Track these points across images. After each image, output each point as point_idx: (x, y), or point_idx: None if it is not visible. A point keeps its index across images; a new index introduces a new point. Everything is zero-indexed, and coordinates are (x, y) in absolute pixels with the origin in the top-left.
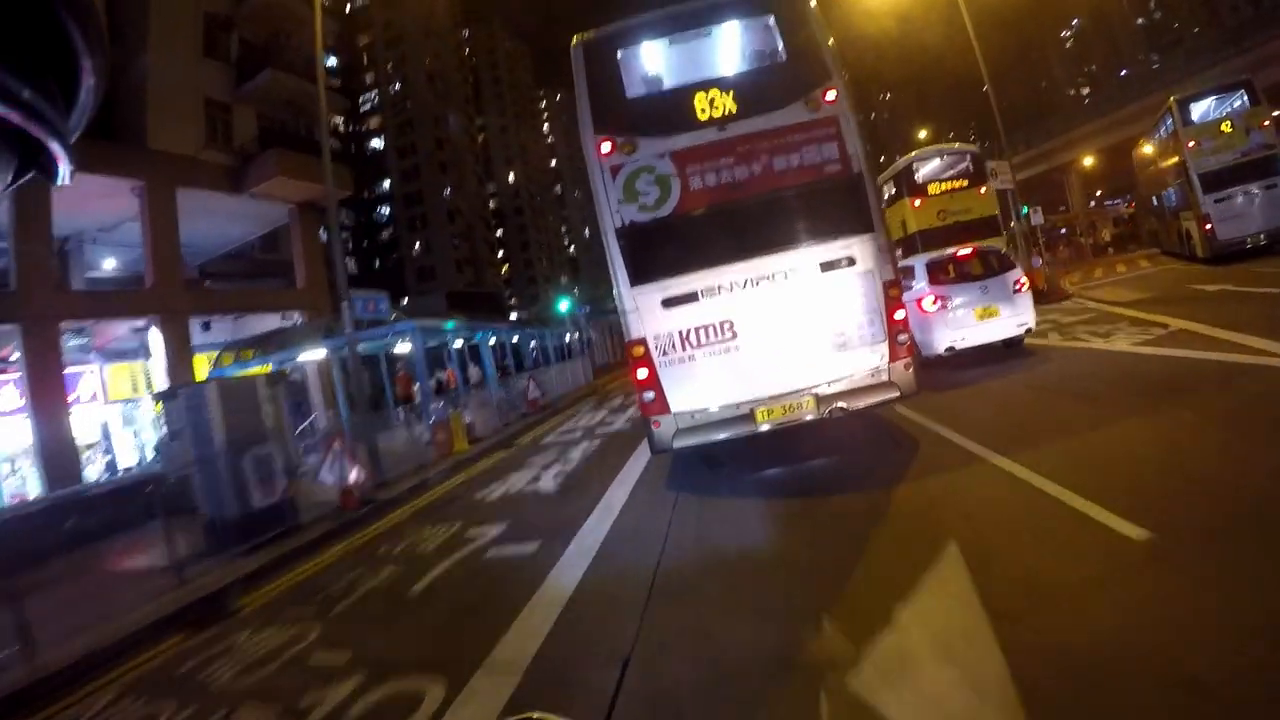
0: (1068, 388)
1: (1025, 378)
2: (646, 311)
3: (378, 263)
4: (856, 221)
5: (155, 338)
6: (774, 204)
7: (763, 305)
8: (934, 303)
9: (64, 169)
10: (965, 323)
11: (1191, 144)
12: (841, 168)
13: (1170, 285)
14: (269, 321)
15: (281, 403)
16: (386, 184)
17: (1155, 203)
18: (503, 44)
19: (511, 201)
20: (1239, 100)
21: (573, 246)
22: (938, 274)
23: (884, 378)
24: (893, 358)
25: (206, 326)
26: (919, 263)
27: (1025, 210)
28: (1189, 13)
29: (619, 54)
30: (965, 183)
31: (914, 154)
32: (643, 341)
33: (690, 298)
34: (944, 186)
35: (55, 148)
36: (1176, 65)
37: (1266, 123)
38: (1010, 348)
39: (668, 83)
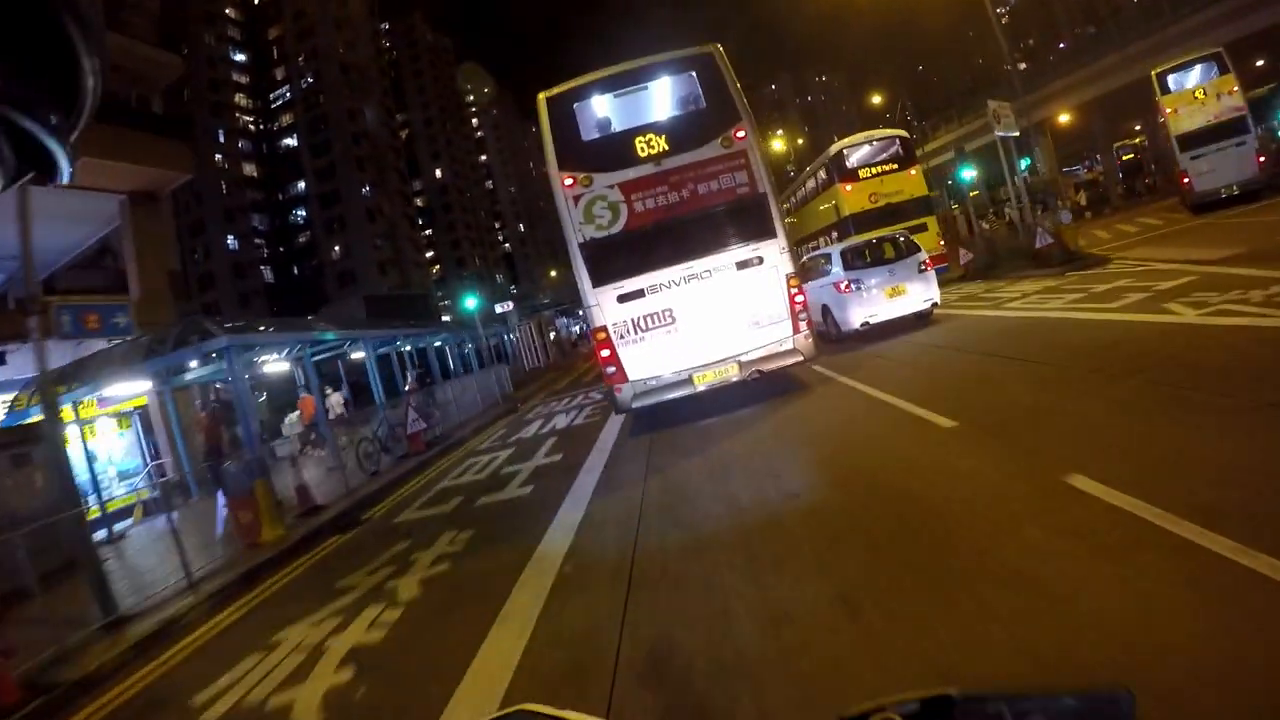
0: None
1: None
2: (606, 306)
3: (295, 269)
4: (763, 230)
5: None
6: (700, 219)
7: (695, 296)
8: (848, 285)
9: (64, 167)
10: (877, 301)
11: (1170, 110)
12: (750, 189)
13: (1259, 237)
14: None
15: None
16: (302, 185)
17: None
18: (424, 36)
19: (440, 199)
20: (1212, 70)
21: (508, 243)
22: (852, 259)
23: (789, 345)
24: (795, 331)
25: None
26: (835, 251)
27: (1027, 162)
28: None
29: (575, 106)
30: (895, 166)
31: (844, 141)
32: (604, 328)
33: (639, 294)
34: (874, 170)
35: (54, 146)
36: (1163, 11)
37: (1234, 89)
38: (922, 319)
39: (615, 128)
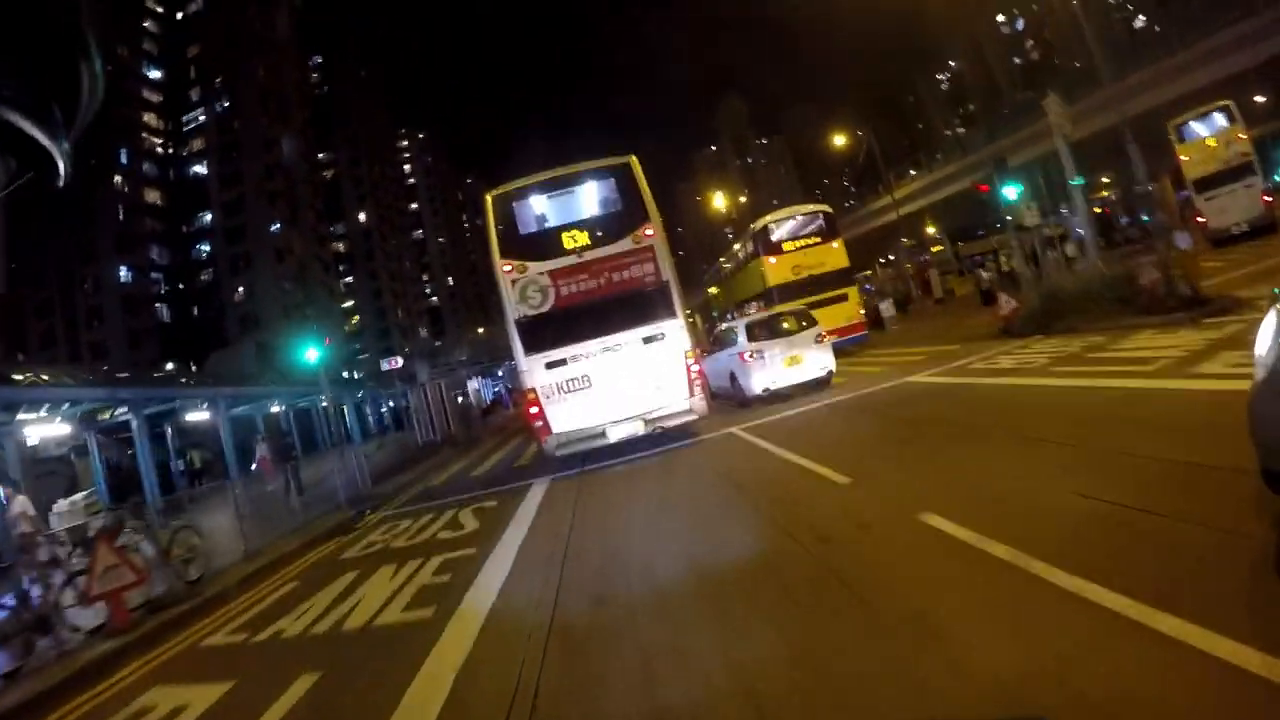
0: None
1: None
2: (535, 371)
3: (196, 309)
4: (666, 311)
5: None
6: (614, 301)
7: (609, 364)
8: (751, 355)
9: (63, 168)
10: (776, 369)
11: (1184, 158)
12: (655, 278)
13: None
14: None
15: None
16: (209, 217)
17: None
18: (355, 73)
19: (363, 244)
20: (1222, 120)
21: (435, 296)
22: (755, 332)
23: (686, 406)
24: (690, 394)
25: None
26: (740, 324)
27: (1078, 181)
28: (1063, 46)
29: (515, 204)
30: (818, 239)
31: (769, 216)
32: (534, 389)
33: (562, 362)
34: (798, 244)
35: (53, 147)
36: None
37: (1242, 136)
38: (820, 387)
39: (547, 223)
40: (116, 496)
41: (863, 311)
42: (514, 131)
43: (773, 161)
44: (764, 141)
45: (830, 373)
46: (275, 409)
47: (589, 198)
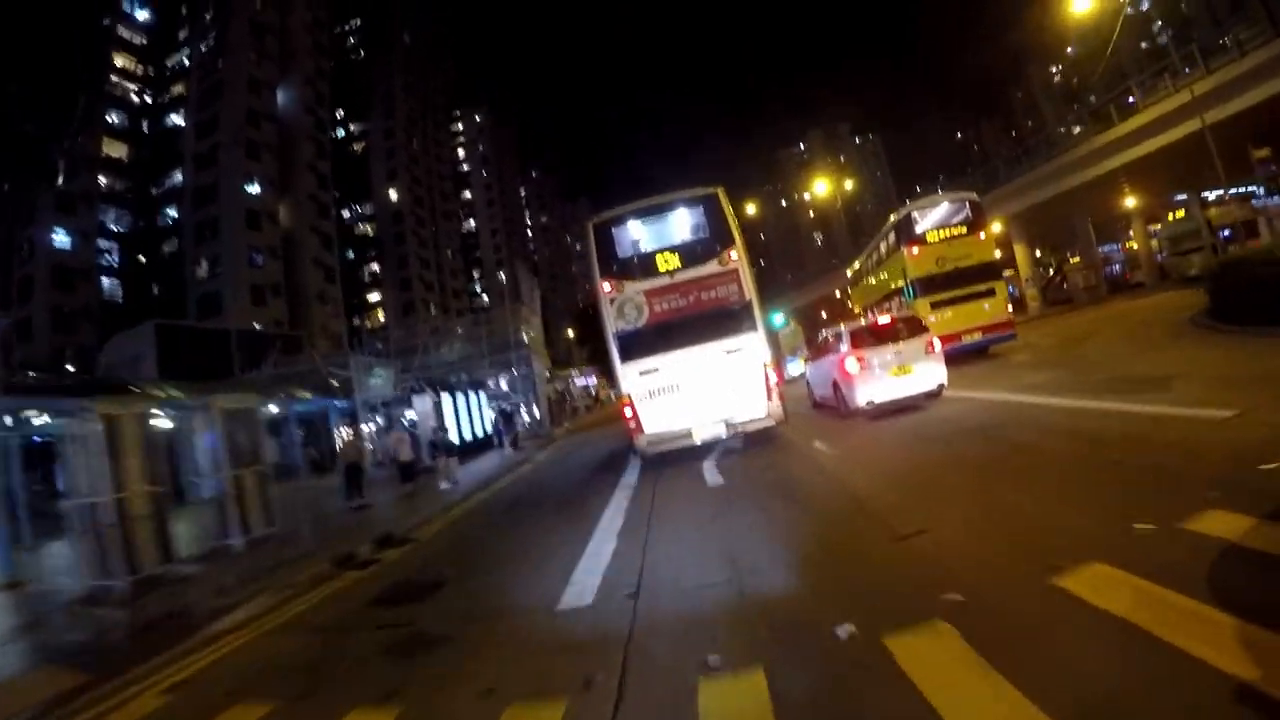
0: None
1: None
2: (630, 378)
3: (156, 287)
4: (747, 326)
5: None
6: (701, 318)
7: (695, 373)
8: (855, 364)
9: (62, 168)
10: (882, 380)
11: None
12: (739, 297)
13: None
14: None
15: None
16: (180, 177)
17: None
18: (399, 39)
19: (391, 227)
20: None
21: (485, 293)
22: (859, 338)
23: (764, 413)
24: (769, 399)
25: None
26: (845, 330)
27: None
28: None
29: (614, 229)
30: (964, 229)
31: (913, 204)
32: (628, 394)
33: (654, 370)
34: (943, 234)
35: (54, 147)
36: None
37: None
38: (930, 399)
39: (643, 248)
40: None
41: (1010, 308)
42: (594, 127)
43: (866, 160)
44: (858, 140)
45: (942, 386)
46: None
47: (680, 224)
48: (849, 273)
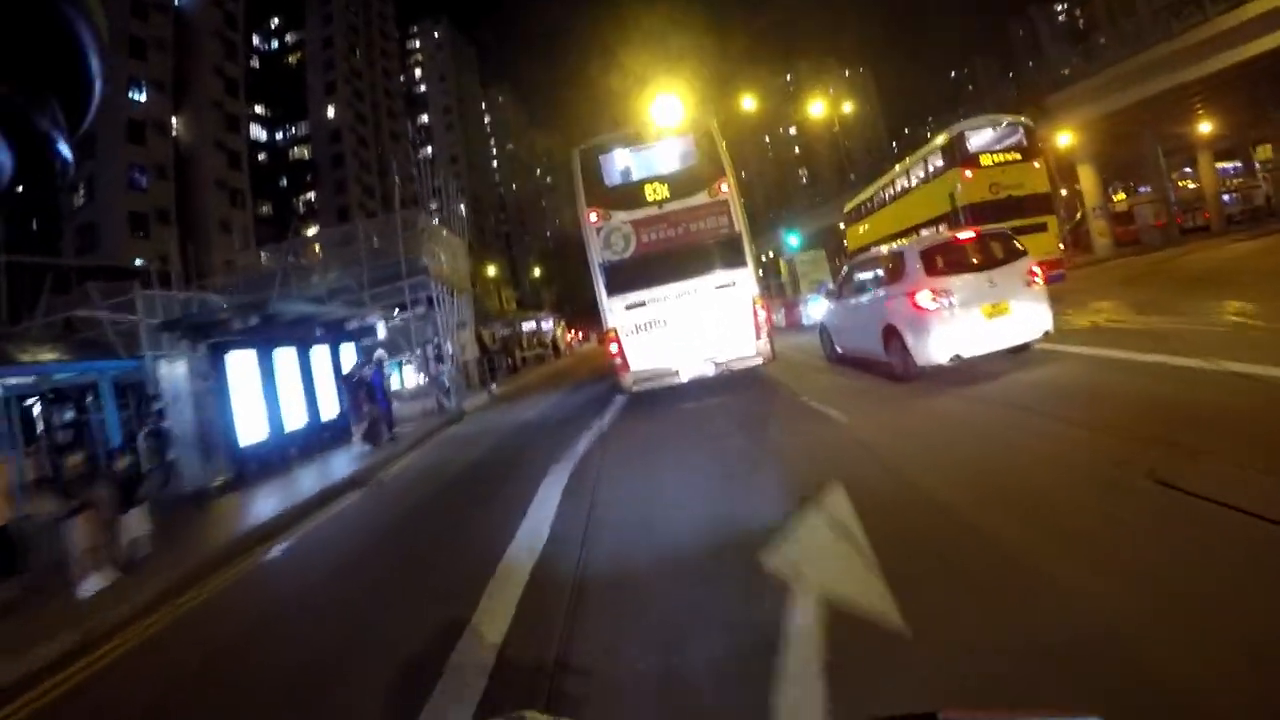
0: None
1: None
2: (616, 311)
3: (34, 223)
4: (737, 260)
5: None
6: (689, 250)
7: (683, 308)
8: (932, 299)
9: (68, 164)
10: (971, 322)
11: None
12: (729, 230)
13: None
14: None
15: None
16: None
17: None
18: None
19: (328, 148)
20: None
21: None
22: (935, 261)
23: (752, 351)
24: (757, 338)
25: None
26: (911, 250)
27: None
28: None
29: (600, 157)
30: (1019, 155)
31: (964, 123)
32: (615, 329)
33: (641, 304)
34: (997, 159)
35: (59, 142)
36: None
37: None
38: (1017, 353)
39: (631, 177)
40: None
41: (1061, 245)
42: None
43: (855, 96)
44: (847, 74)
45: (1047, 333)
46: None
47: (669, 153)
48: (846, 208)
